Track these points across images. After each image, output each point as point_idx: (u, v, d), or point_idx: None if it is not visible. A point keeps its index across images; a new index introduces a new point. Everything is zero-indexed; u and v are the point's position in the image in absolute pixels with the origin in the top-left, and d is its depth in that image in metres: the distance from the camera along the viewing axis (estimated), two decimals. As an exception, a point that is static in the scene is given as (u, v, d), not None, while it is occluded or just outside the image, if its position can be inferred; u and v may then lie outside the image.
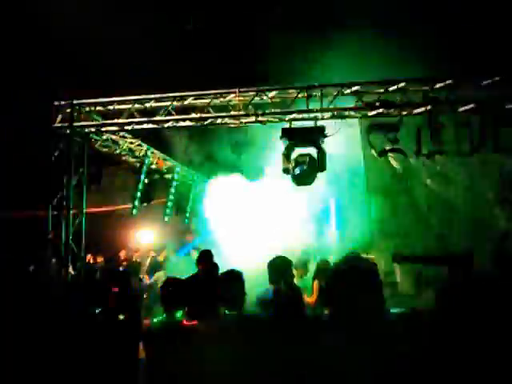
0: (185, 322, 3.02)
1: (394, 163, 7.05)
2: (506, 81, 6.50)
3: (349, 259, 2.15)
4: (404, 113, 6.87)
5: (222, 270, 5.39)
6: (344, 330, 1.89)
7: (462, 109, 6.64)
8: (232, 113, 7.20)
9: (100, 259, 9.51)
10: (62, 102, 7.69)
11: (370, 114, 6.93)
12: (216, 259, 5.83)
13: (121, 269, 8.21)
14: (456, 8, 7.65)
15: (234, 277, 3.30)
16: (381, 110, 6.88)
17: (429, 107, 6.74)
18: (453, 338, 1.86)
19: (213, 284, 3.63)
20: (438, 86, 6.68)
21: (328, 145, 6.75)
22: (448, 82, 6.64)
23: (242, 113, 7.15)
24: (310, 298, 5.81)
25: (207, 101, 7.26)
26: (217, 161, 9.22)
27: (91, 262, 9.42)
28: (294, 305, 3.55)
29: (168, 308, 3.33)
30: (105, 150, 8.77)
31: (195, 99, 7.34)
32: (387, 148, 7.00)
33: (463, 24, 7.72)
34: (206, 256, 5.80)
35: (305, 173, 6.78)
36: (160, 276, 7.97)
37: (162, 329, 3.20)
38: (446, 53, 7.25)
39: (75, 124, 7.67)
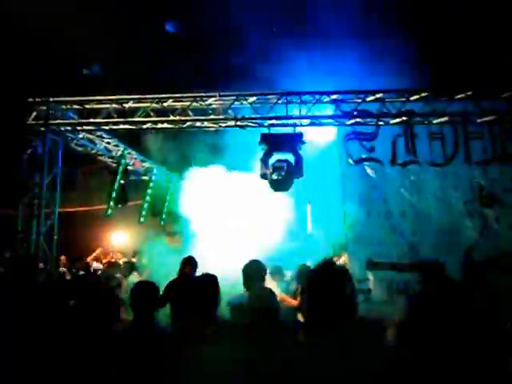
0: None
1: (370, 171, 7.17)
2: (478, 95, 6.74)
3: (322, 266, 2.19)
4: (381, 123, 7.02)
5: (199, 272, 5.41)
6: (318, 336, 1.92)
7: (436, 121, 6.84)
8: (211, 116, 7.21)
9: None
10: (37, 99, 7.53)
11: (348, 122, 7.06)
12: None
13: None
14: (434, 22, 7.87)
15: (209, 281, 3.30)
16: (358, 120, 7.01)
17: (404, 118, 6.92)
18: (422, 346, 1.92)
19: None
20: (413, 98, 6.87)
21: (305, 150, 6.84)
22: (423, 94, 6.84)
23: (221, 117, 7.16)
24: (293, 301, 5.94)
25: (187, 103, 7.24)
26: (193, 161, 9.18)
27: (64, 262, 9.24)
28: (267, 311, 3.56)
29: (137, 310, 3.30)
30: (80, 149, 8.61)
31: (174, 101, 7.30)
32: (363, 156, 7.14)
33: (441, 38, 7.95)
34: (191, 261, 5.92)
35: (282, 178, 6.83)
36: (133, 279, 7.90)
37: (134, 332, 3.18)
38: (423, 66, 7.44)
39: (51, 122, 7.52)
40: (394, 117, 6.91)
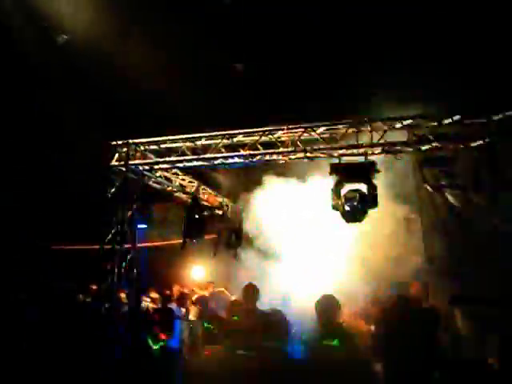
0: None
1: (451, 199, 6.70)
2: None
3: (399, 304, 1.99)
4: (461, 146, 6.56)
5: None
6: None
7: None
8: (281, 149, 7.22)
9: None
10: (119, 142, 8.09)
11: (424, 147, 6.69)
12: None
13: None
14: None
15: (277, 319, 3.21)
16: (435, 144, 6.61)
17: (487, 140, 6.40)
18: None
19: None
20: (495, 117, 6.34)
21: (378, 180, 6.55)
22: (509, 113, 6.30)
23: (290, 149, 7.15)
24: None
25: (256, 138, 7.35)
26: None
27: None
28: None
29: None
30: (157, 186, 9.05)
31: (244, 136, 7.45)
32: (443, 183, 6.70)
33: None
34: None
35: (355, 209, 6.59)
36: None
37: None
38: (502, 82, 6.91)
39: (130, 162, 8.01)
40: (476, 139, 6.41)
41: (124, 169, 8.04)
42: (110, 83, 8.41)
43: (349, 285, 6.84)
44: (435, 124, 6.58)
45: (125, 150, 8.03)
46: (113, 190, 8.08)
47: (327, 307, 4.27)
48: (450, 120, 6.53)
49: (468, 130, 6.47)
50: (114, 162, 8.14)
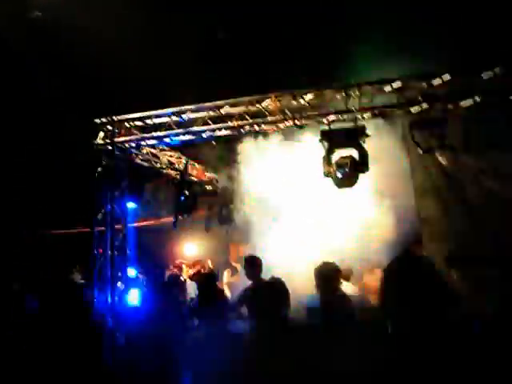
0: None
1: (443, 160, 6.67)
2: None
3: (401, 258, 1.94)
4: (450, 106, 6.49)
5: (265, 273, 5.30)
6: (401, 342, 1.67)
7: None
8: (269, 118, 7.10)
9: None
10: (103, 120, 7.87)
11: (413, 110, 6.61)
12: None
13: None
14: None
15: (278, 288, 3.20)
16: (425, 106, 6.53)
17: (477, 99, 6.34)
18: None
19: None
20: (485, 74, 6.25)
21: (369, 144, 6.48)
22: (496, 69, 6.21)
23: (279, 118, 7.03)
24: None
25: (243, 108, 7.20)
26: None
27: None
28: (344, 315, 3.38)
29: None
30: (145, 164, 8.89)
31: (231, 107, 7.29)
32: (434, 145, 6.64)
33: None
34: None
35: (347, 175, 6.54)
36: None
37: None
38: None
39: (116, 140, 7.83)
40: (465, 98, 6.34)
41: (110, 147, 7.86)
42: (89, 59, 8.14)
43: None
44: (424, 85, 6.50)
45: (109, 127, 7.83)
46: (99, 169, 7.91)
47: (327, 273, 4.26)
48: (439, 80, 6.45)
49: (457, 89, 6.39)
50: (99, 141, 7.94)
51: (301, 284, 5.59)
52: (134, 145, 8.11)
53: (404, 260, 1.92)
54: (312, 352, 2.37)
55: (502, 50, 6.33)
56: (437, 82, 6.42)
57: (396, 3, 7.39)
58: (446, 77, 6.38)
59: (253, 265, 5.78)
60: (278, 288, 4.71)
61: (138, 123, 7.88)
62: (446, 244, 6.40)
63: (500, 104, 6.30)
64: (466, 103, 6.36)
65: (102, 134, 7.96)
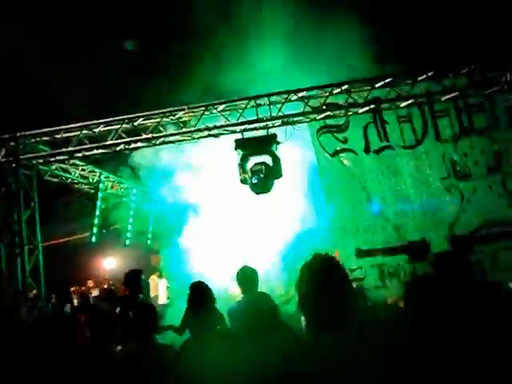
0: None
1: (347, 162, 7.28)
2: (440, 74, 6.93)
3: (311, 260, 2.16)
4: (350, 113, 7.15)
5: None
6: (323, 335, 1.88)
7: (403, 104, 7.00)
8: (184, 130, 7.21)
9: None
10: (6, 136, 7.39)
11: (318, 117, 7.15)
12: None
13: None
14: (389, 10, 8.05)
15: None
16: (328, 113, 7.12)
17: (372, 106, 7.06)
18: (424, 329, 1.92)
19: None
20: (378, 85, 7.01)
21: (282, 151, 6.90)
22: (387, 80, 6.99)
23: (193, 129, 7.17)
24: None
25: (157, 120, 7.23)
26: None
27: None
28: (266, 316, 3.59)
29: None
30: (55, 180, 8.48)
31: (145, 120, 7.28)
32: (338, 148, 7.24)
33: (399, 24, 8.14)
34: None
35: (262, 181, 6.89)
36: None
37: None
38: (384, 53, 7.61)
39: (21, 157, 7.40)
40: (362, 106, 7.04)
41: (14, 165, 7.40)
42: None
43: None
44: (326, 94, 7.09)
45: (13, 143, 7.37)
46: (3, 189, 7.42)
47: (248, 276, 4.47)
48: (339, 90, 7.08)
49: (356, 97, 7.06)
50: (0, 159, 7.44)
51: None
52: (41, 161, 7.71)
53: (317, 258, 2.11)
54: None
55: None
56: (336, 91, 7.07)
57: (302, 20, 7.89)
58: (345, 87, 7.04)
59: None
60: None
61: (46, 138, 7.52)
62: (354, 238, 7.01)
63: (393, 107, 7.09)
64: (364, 109, 7.08)
65: (3, 152, 7.46)
